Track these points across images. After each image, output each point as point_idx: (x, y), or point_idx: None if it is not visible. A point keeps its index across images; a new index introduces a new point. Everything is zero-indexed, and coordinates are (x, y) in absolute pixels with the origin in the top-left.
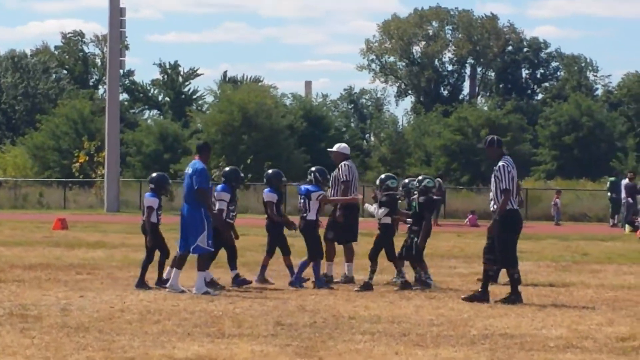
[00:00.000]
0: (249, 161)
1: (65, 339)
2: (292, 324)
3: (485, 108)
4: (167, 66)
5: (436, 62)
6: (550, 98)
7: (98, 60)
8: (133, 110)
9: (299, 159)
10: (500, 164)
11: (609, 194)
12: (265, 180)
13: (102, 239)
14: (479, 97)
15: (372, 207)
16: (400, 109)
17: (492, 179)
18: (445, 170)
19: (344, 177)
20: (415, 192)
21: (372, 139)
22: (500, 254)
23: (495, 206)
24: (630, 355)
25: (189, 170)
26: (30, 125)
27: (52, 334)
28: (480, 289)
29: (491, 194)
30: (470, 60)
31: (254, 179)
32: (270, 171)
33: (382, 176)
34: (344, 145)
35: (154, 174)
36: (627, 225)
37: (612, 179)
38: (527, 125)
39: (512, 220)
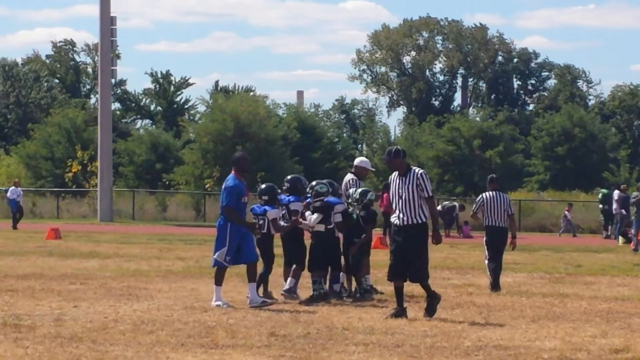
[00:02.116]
0: None
1: (59, 349)
2: (285, 334)
3: (478, 119)
4: (159, 75)
5: (427, 72)
6: (542, 109)
7: (90, 70)
8: (125, 120)
9: (293, 170)
10: (419, 172)
11: (600, 205)
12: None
13: (95, 249)
14: (470, 108)
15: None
16: (392, 119)
17: (402, 188)
18: (439, 181)
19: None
20: (354, 204)
21: (365, 149)
22: (419, 267)
23: (405, 220)
24: None
25: (225, 184)
26: (22, 134)
27: (45, 344)
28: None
29: (396, 205)
30: (461, 71)
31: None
32: (263, 186)
33: (313, 182)
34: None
35: (264, 185)
36: (620, 237)
37: (604, 190)
38: (519, 136)
39: (425, 231)
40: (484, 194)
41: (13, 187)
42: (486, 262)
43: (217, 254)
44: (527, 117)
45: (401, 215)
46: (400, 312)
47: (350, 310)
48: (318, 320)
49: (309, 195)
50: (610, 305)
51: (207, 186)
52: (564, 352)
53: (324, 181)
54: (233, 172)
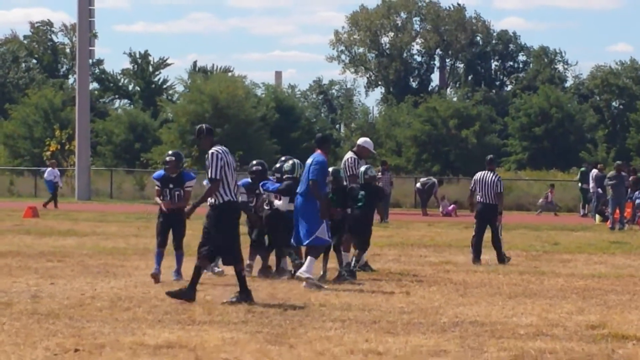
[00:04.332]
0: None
1: (36, 325)
2: (262, 311)
3: (455, 99)
4: (137, 56)
5: (405, 53)
6: (520, 89)
7: (67, 50)
8: (103, 100)
9: (270, 150)
10: (211, 150)
11: (579, 184)
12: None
13: (72, 227)
14: (448, 89)
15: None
16: (370, 100)
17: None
18: (416, 160)
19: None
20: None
21: (343, 129)
22: (222, 251)
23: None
24: (600, 343)
25: (309, 161)
26: (0, 114)
27: (22, 321)
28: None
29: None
30: (439, 52)
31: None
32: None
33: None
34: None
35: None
36: (597, 216)
37: (582, 169)
38: (496, 116)
39: (229, 212)
40: (478, 173)
41: (50, 169)
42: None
43: (317, 232)
44: (504, 98)
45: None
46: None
47: (327, 287)
48: (295, 297)
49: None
50: (587, 283)
51: (185, 165)
52: (541, 328)
53: (292, 161)
54: (319, 151)
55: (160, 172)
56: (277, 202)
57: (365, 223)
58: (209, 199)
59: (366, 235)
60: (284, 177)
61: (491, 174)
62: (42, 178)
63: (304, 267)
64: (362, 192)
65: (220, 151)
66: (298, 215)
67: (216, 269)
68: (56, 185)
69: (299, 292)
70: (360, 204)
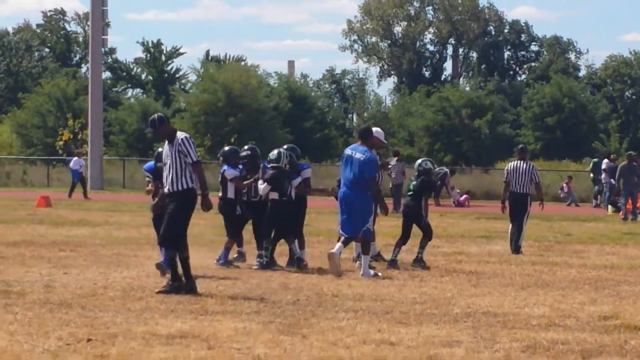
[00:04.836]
0: (232, 140)
1: (48, 315)
2: (275, 301)
3: (468, 89)
4: (150, 45)
5: (417, 43)
6: (533, 79)
7: (80, 39)
8: (116, 89)
9: (284, 139)
10: (181, 136)
11: (591, 175)
12: (222, 158)
13: (85, 217)
14: (461, 78)
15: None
16: (383, 89)
17: (171, 157)
18: (429, 150)
19: None
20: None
21: (355, 119)
22: (170, 235)
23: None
24: (613, 334)
25: (356, 155)
26: (13, 103)
27: (35, 310)
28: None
29: (166, 175)
30: (451, 41)
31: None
32: (226, 148)
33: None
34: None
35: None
36: (609, 206)
37: (595, 160)
38: (508, 107)
39: (189, 199)
40: (510, 164)
41: (76, 158)
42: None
43: (368, 224)
44: (517, 88)
45: (168, 183)
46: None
47: (340, 277)
48: (307, 287)
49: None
50: (599, 273)
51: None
52: (553, 318)
53: (277, 150)
54: (362, 143)
55: (150, 163)
56: (260, 187)
57: (418, 213)
58: (170, 187)
59: (423, 225)
60: (269, 165)
61: (524, 164)
62: (71, 168)
63: (363, 270)
64: (414, 183)
65: (189, 136)
66: (346, 207)
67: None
68: (82, 175)
69: (311, 282)
70: (410, 193)
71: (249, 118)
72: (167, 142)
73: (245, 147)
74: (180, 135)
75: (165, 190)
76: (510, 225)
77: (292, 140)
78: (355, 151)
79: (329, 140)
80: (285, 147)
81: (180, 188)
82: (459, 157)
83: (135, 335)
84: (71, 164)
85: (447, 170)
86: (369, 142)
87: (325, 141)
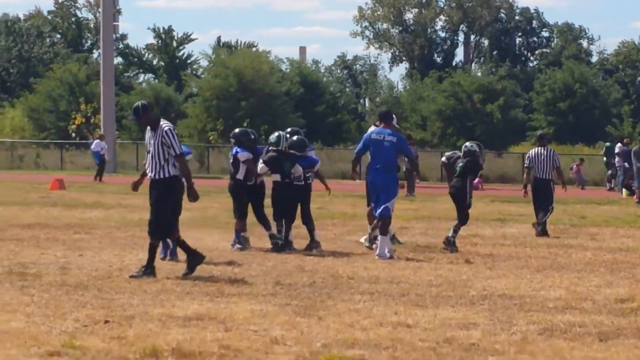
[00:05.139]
0: (245, 124)
1: (65, 297)
2: (291, 283)
3: (479, 74)
4: (161, 31)
5: (429, 29)
6: (545, 65)
7: (91, 25)
8: (127, 74)
9: (296, 123)
10: (165, 127)
11: (604, 158)
12: (234, 140)
13: (99, 200)
14: (472, 64)
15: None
16: (395, 75)
17: (154, 145)
18: (441, 134)
19: None
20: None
21: (367, 104)
22: (158, 226)
23: (158, 175)
24: (629, 317)
25: (386, 138)
26: (25, 88)
27: (51, 292)
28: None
29: (149, 162)
30: (463, 28)
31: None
32: (237, 130)
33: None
34: None
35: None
36: (623, 190)
37: (608, 144)
38: (520, 92)
39: (172, 187)
40: (531, 150)
41: (97, 140)
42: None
43: (390, 203)
44: (529, 74)
45: (151, 172)
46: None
47: (356, 259)
48: (323, 269)
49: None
50: (615, 256)
51: (210, 139)
52: (569, 301)
53: (277, 133)
54: (385, 126)
55: None
56: (260, 166)
57: (463, 194)
58: (154, 175)
59: (464, 207)
60: (269, 148)
61: (544, 150)
62: (92, 150)
63: (379, 251)
64: (460, 164)
65: (173, 127)
66: (378, 190)
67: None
68: (103, 157)
69: (326, 264)
70: (457, 175)
71: (260, 103)
72: (149, 129)
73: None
74: (164, 125)
75: (149, 176)
76: (536, 210)
77: (304, 124)
78: (383, 134)
79: (342, 125)
80: (288, 130)
81: (163, 176)
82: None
83: (152, 317)
84: (92, 147)
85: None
86: (391, 124)
87: (337, 125)
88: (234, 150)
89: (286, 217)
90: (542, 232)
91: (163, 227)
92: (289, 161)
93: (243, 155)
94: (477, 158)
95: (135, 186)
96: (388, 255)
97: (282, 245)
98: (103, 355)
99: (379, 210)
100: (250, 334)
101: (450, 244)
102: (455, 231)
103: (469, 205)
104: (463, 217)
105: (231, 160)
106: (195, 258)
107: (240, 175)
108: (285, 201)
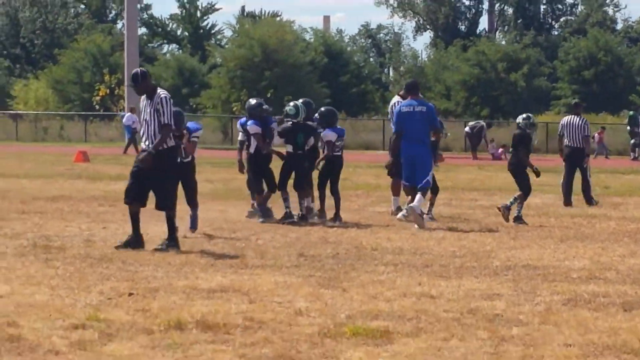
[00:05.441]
0: (269, 95)
1: (89, 269)
2: (314, 255)
3: (503, 43)
4: (185, 0)
5: None
6: (569, 33)
7: None
8: (152, 45)
9: (320, 94)
10: (162, 94)
11: (628, 127)
12: (247, 111)
13: (123, 172)
14: (497, 32)
15: None
16: (419, 44)
17: (150, 114)
18: (465, 104)
19: None
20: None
21: (392, 73)
22: (161, 194)
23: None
24: None
25: (417, 108)
26: (49, 59)
27: (75, 265)
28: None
29: (145, 132)
30: None
31: (274, 113)
32: (253, 102)
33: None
34: None
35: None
36: None
37: (631, 113)
38: (544, 60)
39: (172, 157)
40: (564, 118)
41: (129, 114)
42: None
43: (429, 175)
44: (553, 42)
45: (147, 141)
46: (134, 241)
47: (379, 230)
48: (347, 240)
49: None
50: (639, 226)
51: (234, 109)
52: (593, 271)
53: (294, 103)
54: (413, 97)
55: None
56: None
57: (521, 167)
58: (148, 144)
59: (524, 179)
60: (285, 119)
61: (577, 118)
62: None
63: (415, 202)
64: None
65: (169, 96)
66: (413, 161)
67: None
68: (134, 131)
69: (350, 235)
70: (511, 150)
71: (285, 73)
72: (145, 97)
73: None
74: (161, 93)
75: (144, 146)
76: (563, 178)
77: (329, 94)
78: (412, 105)
79: (366, 95)
80: (300, 101)
81: (161, 147)
82: (496, 111)
83: (176, 289)
84: (124, 120)
85: (484, 123)
86: (417, 94)
87: (361, 95)
88: (243, 120)
89: (301, 188)
90: (589, 201)
91: (171, 197)
92: (303, 133)
93: (252, 128)
94: (525, 130)
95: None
96: (418, 211)
97: (302, 216)
98: (127, 327)
99: (420, 184)
100: (274, 305)
101: (518, 219)
102: (520, 205)
103: (537, 173)
104: (526, 190)
105: (241, 131)
106: (174, 240)
107: (251, 149)
108: (296, 172)
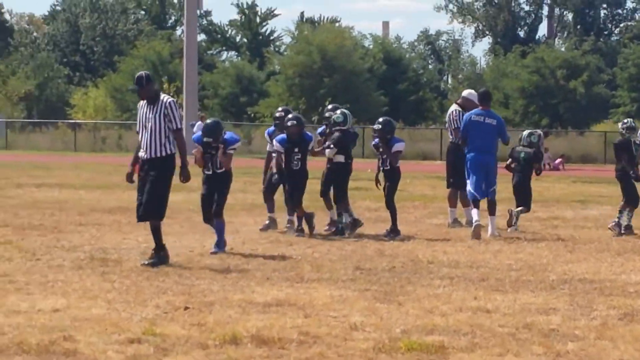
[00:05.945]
0: (327, 103)
1: (146, 282)
2: (370, 268)
3: (563, 49)
4: (245, 6)
5: (513, 2)
6: (629, 39)
7: (175, 1)
8: (211, 52)
9: (378, 101)
10: (168, 100)
11: None
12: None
13: (181, 183)
14: (556, 38)
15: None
16: (478, 50)
17: (153, 120)
18: (523, 112)
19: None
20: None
21: (450, 80)
22: (153, 203)
23: (156, 153)
24: None
25: (487, 120)
26: (108, 66)
27: (132, 278)
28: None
29: (146, 140)
30: (547, 1)
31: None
32: (290, 117)
33: (335, 113)
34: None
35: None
36: None
37: None
38: (604, 67)
39: (171, 166)
40: None
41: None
42: None
43: (495, 185)
44: (613, 48)
45: (150, 149)
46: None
47: (436, 243)
48: (403, 254)
49: (325, 124)
50: None
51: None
52: None
53: (341, 111)
54: (484, 108)
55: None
56: (327, 151)
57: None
58: (151, 153)
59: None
60: (334, 128)
61: None
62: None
63: (491, 230)
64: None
65: (175, 100)
66: (483, 171)
67: None
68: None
69: (406, 248)
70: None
71: (344, 80)
72: (146, 103)
73: (280, 107)
74: (166, 98)
75: (143, 155)
76: None
77: (386, 102)
78: (483, 116)
79: (423, 103)
80: (329, 106)
81: (162, 154)
82: (555, 119)
83: (231, 303)
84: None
85: (541, 132)
86: (489, 105)
87: (419, 103)
88: (272, 130)
89: (344, 199)
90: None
91: (159, 208)
92: (353, 142)
93: (277, 146)
94: (627, 138)
95: (129, 178)
96: (497, 232)
97: (342, 229)
98: (183, 342)
99: (490, 194)
100: (329, 319)
101: (627, 228)
102: (630, 214)
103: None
104: (631, 198)
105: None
106: (161, 257)
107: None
108: (341, 183)
